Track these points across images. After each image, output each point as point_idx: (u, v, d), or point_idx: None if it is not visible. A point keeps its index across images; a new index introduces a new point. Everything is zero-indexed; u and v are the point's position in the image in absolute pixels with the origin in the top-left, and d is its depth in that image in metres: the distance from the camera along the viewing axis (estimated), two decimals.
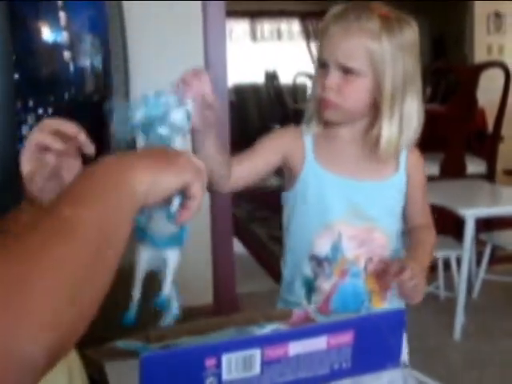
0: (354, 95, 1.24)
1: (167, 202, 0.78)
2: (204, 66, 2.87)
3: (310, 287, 1.31)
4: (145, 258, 0.85)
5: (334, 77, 1.23)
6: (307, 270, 1.31)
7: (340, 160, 1.32)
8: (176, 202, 0.80)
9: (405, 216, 1.39)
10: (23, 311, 0.54)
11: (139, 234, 0.84)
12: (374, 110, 1.26)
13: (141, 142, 0.89)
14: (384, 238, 1.32)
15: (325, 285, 1.30)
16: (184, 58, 2.85)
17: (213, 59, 2.89)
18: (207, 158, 1.03)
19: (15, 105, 1.54)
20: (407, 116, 1.26)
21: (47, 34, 1.72)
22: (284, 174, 1.38)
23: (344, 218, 1.28)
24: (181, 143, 0.89)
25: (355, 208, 1.29)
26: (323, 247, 1.29)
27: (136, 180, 0.70)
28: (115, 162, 0.72)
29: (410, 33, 1.26)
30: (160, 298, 0.86)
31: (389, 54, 1.22)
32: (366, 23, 1.22)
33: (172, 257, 0.86)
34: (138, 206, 0.71)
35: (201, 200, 0.79)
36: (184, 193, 0.78)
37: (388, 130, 1.25)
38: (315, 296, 1.31)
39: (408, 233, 1.41)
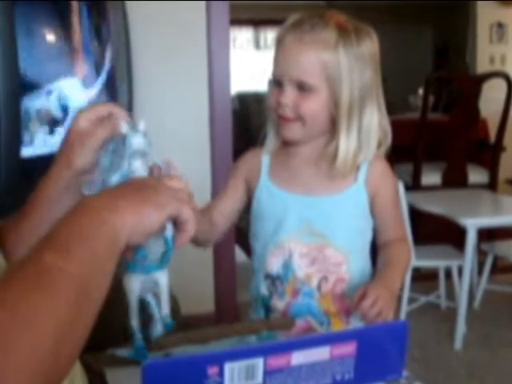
0: (312, 112, 1.19)
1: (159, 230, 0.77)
2: (207, 73, 2.88)
3: (267, 307, 1.28)
4: (137, 287, 0.85)
5: (290, 94, 1.18)
6: (263, 289, 1.28)
7: (295, 177, 1.27)
8: (169, 227, 0.79)
9: (374, 232, 1.31)
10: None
11: (127, 266, 0.83)
12: (333, 125, 1.22)
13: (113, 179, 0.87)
14: (340, 256, 1.24)
15: (279, 304, 1.26)
16: (188, 67, 2.86)
17: (216, 67, 2.90)
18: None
19: (19, 108, 1.54)
20: (366, 129, 1.21)
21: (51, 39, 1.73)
22: None
23: (295, 235, 1.24)
24: (142, 167, 0.87)
25: (308, 225, 1.23)
26: (275, 266, 1.26)
27: (117, 226, 0.69)
28: (95, 207, 0.71)
29: (368, 44, 1.23)
30: (165, 319, 0.86)
31: (345, 66, 1.17)
32: (321, 33, 1.17)
33: (163, 278, 0.85)
34: (120, 250, 0.70)
35: (194, 219, 0.78)
36: (175, 220, 0.77)
37: (345, 144, 1.20)
38: (272, 316, 1.27)
39: (378, 250, 1.31)
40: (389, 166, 1.28)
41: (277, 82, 1.21)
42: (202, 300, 3.01)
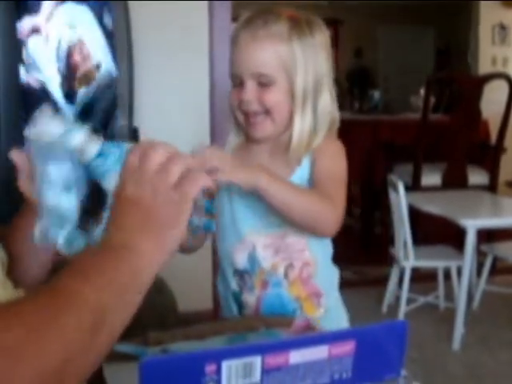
0: (276, 103, 1.21)
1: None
2: (209, 73, 2.88)
3: (239, 302, 1.29)
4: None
5: (251, 89, 1.21)
6: (234, 285, 1.29)
7: None
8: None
9: None
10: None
11: None
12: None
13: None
14: (301, 241, 1.25)
15: (249, 298, 1.27)
16: (189, 66, 2.85)
17: (218, 67, 2.90)
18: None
19: (20, 106, 1.54)
20: (321, 114, 1.24)
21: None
22: None
23: (255, 227, 1.24)
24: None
25: (266, 215, 1.22)
26: (241, 260, 1.26)
27: (141, 265, 0.70)
28: (123, 245, 0.70)
29: (320, 33, 1.25)
30: None
31: (300, 55, 1.20)
32: (274, 27, 1.20)
33: None
34: (149, 280, 0.71)
35: (203, 176, 0.77)
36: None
37: (299, 128, 1.22)
38: (245, 311, 1.28)
39: None
40: (340, 149, 1.27)
41: (236, 81, 1.24)
42: (199, 296, 3.01)
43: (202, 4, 2.86)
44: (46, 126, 0.80)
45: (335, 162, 1.25)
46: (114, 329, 0.66)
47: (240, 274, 1.28)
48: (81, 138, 0.79)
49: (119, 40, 2.22)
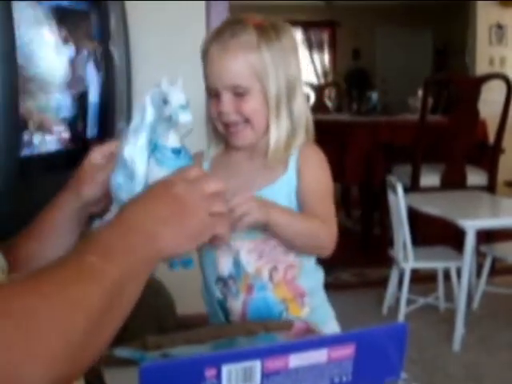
0: (254, 112, 1.24)
1: None
2: None
3: (224, 309, 1.29)
4: None
5: (228, 101, 1.23)
6: (217, 293, 1.29)
7: (233, 176, 1.28)
8: None
9: None
10: (30, 347, 0.58)
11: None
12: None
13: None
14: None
15: (235, 304, 1.27)
16: (187, 67, 2.85)
17: None
18: None
19: (18, 108, 1.54)
20: (297, 116, 1.27)
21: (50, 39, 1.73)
22: None
23: (238, 233, 1.20)
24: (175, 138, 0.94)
25: None
26: (226, 267, 1.27)
27: (154, 251, 0.75)
28: (138, 226, 0.75)
29: (287, 37, 1.27)
30: None
31: (270, 61, 1.22)
32: (242, 37, 1.22)
33: None
34: (154, 267, 0.77)
35: (228, 233, 0.86)
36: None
37: (276, 133, 1.25)
38: (231, 317, 1.28)
39: None
40: (323, 158, 1.30)
41: (212, 93, 1.26)
42: (198, 300, 3.00)
43: (198, 4, 2.85)
44: (172, 90, 0.94)
45: (321, 175, 1.29)
46: (127, 305, 0.71)
47: (224, 281, 1.28)
48: (190, 120, 0.93)
49: (116, 41, 2.22)
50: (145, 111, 0.95)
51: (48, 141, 1.68)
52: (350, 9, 9.24)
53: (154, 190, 0.82)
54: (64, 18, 1.81)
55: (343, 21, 9.62)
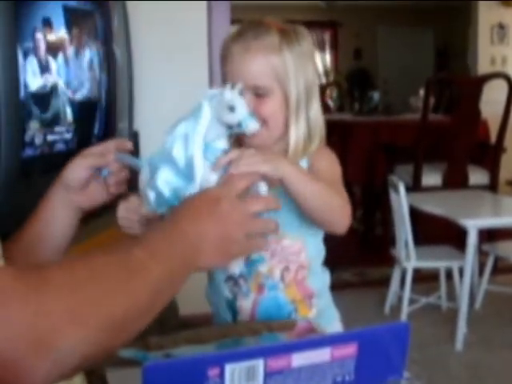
0: (272, 113, 1.24)
1: None
2: (208, 73, 2.88)
3: (233, 309, 1.28)
4: None
5: (249, 101, 1.20)
6: (226, 292, 1.28)
7: None
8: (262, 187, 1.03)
9: None
10: (76, 313, 0.63)
11: None
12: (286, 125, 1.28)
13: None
14: (297, 244, 1.28)
15: (245, 303, 1.27)
16: (189, 66, 2.85)
17: (217, 67, 2.89)
18: None
19: (19, 108, 1.54)
20: (313, 121, 1.28)
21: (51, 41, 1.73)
22: None
23: None
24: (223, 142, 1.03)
25: None
26: (236, 265, 1.21)
27: (195, 264, 0.83)
28: (186, 235, 0.83)
29: (306, 41, 1.28)
30: None
31: (291, 64, 1.24)
32: (266, 39, 1.23)
33: None
34: (189, 276, 0.83)
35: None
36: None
37: (295, 136, 1.26)
38: (240, 316, 1.28)
39: None
40: (335, 158, 1.31)
41: None
42: (200, 300, 3.00)
43: (200, 4, 2.84)
44: (238, 98, 1.02)
45: (333, 166, 1.29)
46: (160, 305, 0.76)
47: (234, 280, 1.27)
48: (258, 128, 1.06)
49: (119, 40, 2.22)
50: (201, 113, 1.00)
51: (50, 141, 1.68)
52: (352, 9, 9.24)
53: (205, 203, 0.89)
54: (71, 18, 1.82)
55: (345, 21, 9.62)
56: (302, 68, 1.25)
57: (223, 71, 1.28)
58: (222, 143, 1.01)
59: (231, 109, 1.00)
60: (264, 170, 1.07)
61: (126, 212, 1.10)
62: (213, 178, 0.99)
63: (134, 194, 1.11)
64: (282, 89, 1.24)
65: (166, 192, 0.98)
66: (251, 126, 1.03)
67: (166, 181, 0.98)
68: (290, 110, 1.25)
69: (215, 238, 0.85)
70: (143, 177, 1.04)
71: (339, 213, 1.20)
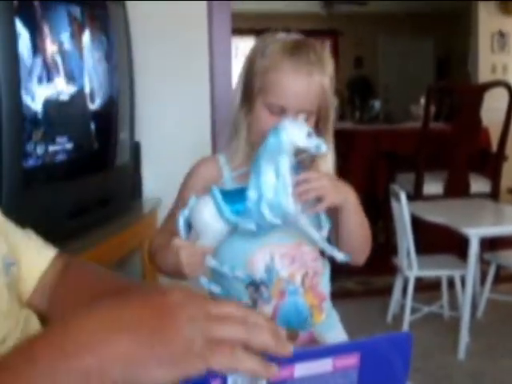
0: None
1: None
2: (209, 83, 2.88)
3: None
4: None
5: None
6: (245, 298, 1.27)
7: None
8: None
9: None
10: None
11: None
12: None
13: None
14: (315, 251, 1.29)
15: (266, 309, 1.26)
16: (189, 68, 2.84)
17: (218, 77, 2.90)
18: None
19: (22, 117, 1.54)
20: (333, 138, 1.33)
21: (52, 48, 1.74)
22: None
23: (273, 237, 1.23)
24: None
25: (281, 230, 1.22)
26: (258, 272, 1.25)
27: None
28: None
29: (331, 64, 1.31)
30: None
31: (330, 88, 1.27)
32: (325, 63, 1.25)
33: None
34: None
35: None
36: None
37: (331, 156, 1.31)
38: None
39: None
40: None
41: (274, 109, 1.24)
42: None
43: (200, 4, 2.83)
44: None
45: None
46: None
47: (255, 286, 1.26)
48: (326, 149, 1.15)
49: (117, 42, 2.21)
50: (283, 143, 1.12)
51: (52, 151, 1.68)
52: (353, 17, 9.26)
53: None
54: (73, 26, 1.82)
55: (345, 29, 9.64)
56: (332, 89, 1.29)
57: (271, 85, 1.24)
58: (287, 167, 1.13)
59: (309, 134, 1.11)
60: (333, 201, 1.18)
61: (193, 256, 1.12)
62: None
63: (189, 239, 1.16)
64: (317, 107, 1.26)
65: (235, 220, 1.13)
66: (323, 147, 1.12)
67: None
68: (329, 129, 1.30)
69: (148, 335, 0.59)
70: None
71: (369, 245, 1.30)
